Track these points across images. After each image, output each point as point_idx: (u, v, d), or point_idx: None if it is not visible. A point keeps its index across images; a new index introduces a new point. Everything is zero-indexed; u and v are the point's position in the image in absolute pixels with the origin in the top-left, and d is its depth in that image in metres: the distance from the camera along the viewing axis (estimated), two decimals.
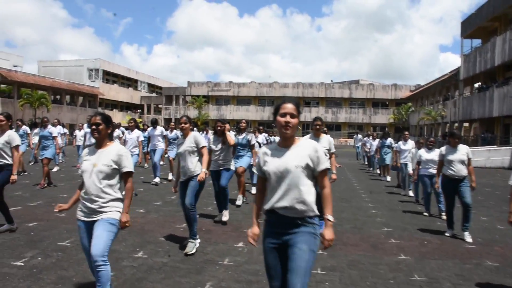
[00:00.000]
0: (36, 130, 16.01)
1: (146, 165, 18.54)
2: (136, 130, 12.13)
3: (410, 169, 12.13)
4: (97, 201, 4.07)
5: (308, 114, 65.16)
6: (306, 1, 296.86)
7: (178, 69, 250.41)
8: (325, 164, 3.30)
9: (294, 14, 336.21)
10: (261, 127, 15.51)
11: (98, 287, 3.92)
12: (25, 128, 16.27)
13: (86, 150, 4.34)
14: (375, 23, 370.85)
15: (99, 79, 67.42)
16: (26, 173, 14.98)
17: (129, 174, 4.23)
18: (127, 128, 13.52)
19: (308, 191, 3.23)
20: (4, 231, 6.94)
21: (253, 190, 12.07)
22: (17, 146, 7.03)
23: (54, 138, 12.43)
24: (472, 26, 41.82)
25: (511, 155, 27.03)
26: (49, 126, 12.67)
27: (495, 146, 30.85)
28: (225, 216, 8.26)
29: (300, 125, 3.41)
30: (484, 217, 9.87)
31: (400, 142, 13.36)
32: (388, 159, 16.54)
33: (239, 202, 10.03)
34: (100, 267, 3.86)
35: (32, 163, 18.30)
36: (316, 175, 3.30)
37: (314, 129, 7.76)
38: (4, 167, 6.92)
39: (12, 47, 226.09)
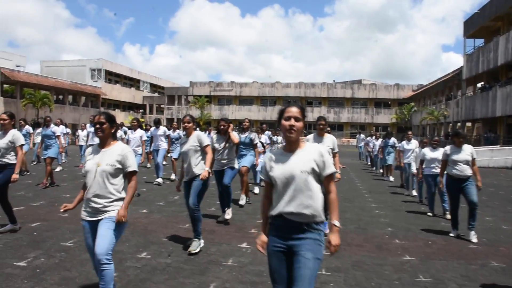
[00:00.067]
0: (39, 130, 16.00)
1: (148, 165, 18.52)
2: (139, 130, 12.11)
3: (414, 169, 12.09)
4: (101, 200, 4.05)
5: (310, 114, 65.02)
6: (308, 1, 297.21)
7: (180, 69, 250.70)
8: (331, 168, 3.26)
9: (296, 14, 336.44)
10: (264, 125, 15.47)
11: (101, 286, 3.89)
12: (28, 127, 16.28)
13: (89, 150, 4.32)
14: (378, 23, 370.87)
15: (102, 79, 67.48)
16: (29, 173, 14.97)
17: (133, 173, 4.20)
18: (129, 128, 13.52)
19: (315, 196, 3.18)
20: (7, 231, 6.92)
21: (256, 190, 12.05)
22: (21, 146, 7.02)
23: (57, 137, 12.40)
24: (475, 26, 41.72)
25: None
26: (52, 125, 12.64)
27: (498, 146, 30.75)
28: (228, 215, 8.23)
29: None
30: (488, 217, 9.82)
31: (404, 142, 13.32)
32: (390, 159, 16.50)
33: (242, 202, 10.00)
34: (103, 266, 3.84)
35: (35, 163, 18.27)
36: (322, 180, 3.26)
37: (318, 128, 7.73)
38: (7, 166, 6.90)
39: (15, 47, 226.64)
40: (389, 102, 70.65)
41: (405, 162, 13.12)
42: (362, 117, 70.53)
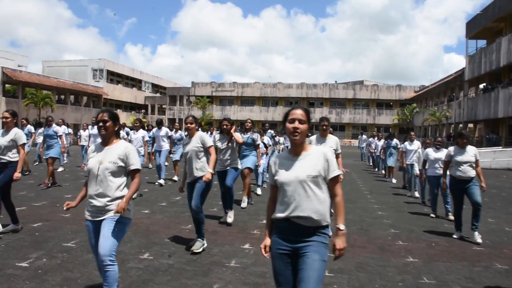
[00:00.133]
0: (41, 130, 15.99)
1: (150, 165, 18.50)
2: (141, 130, 12.09)
3: (416, 170, 12.06)
4: (103, 199, 4.01)
5: (312, 115, 64.75)
6: (310, 1, 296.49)
7: (182, 70, 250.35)
8: (336, 171, 3.24)
9: (298, 14, 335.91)
10: (266, 124, 15.44)
11: (105, 287, 3.87)
12: (30, 127, 16.27)
13: (92, 147, 4.29)
14: (379, 24, 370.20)
15: (103, 79, 67.48)
16: (31, 172, 14.96)
17: (136, 171, 4.17)
18: (131, 129, 13.49)
19: (321, 200, 3.17)
20: (9, 231, 6.90)
21: (259, 191, 12.01)
22: (23, 144, 6.99)
23: (59, 137, 12.39)
24: (477, 27, 41.69)
25: None
26: (54, 125, 12.64)
27: (500, 147, 30.69)
28: (230, 218, 8.20)
29: None
30: (491, 219, 9.78)
31: (406, 143, 13.27)
32: (392, 161, 16.48)
33: (244, 204, 9.94)
34: (107, 267, 3.82)
35: (37, 163, 18.28)
36: (327, 183, 3.24)
37: (320, 129, 7.71)
38: (8, 164, 6.87)
39: (17, 47, 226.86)
40: (391, 103, 70.58)
41: (407, 163, 13.08)
42: (364, 118, 70.46)
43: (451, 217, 9.27)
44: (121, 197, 4.06)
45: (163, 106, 78.33)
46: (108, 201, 4.02)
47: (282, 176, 3.22)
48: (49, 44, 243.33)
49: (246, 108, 72.42)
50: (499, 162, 26.82)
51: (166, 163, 14.31)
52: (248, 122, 10.20)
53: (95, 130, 14.64)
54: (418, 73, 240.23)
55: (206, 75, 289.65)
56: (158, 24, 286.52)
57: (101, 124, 4.11)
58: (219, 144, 8.17)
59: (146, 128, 18.02)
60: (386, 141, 17.05)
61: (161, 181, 13.15)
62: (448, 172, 8.20)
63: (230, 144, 8.20)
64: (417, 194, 12.71)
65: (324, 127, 7.71)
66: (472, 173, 7.68)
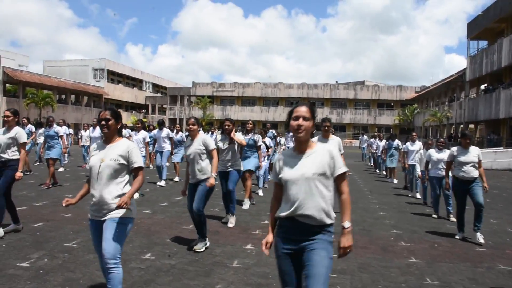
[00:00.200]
0: (41, 130, 15.97)
1: (151, 166, 18.47)
2: (142, 131, 12.08)
3: (418, 171, 12.03)
4: (105, 197, 3.96)
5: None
6: (311, 2, 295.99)
7: (182, 70, 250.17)
8: (342, 168, 3.21)
9: (299, 14, 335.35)
10: (268, 125, 15.41)
11: None
12: (30, 126, 16.25)
13: (94, 145, 4.24)
14: (380, 24, 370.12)
15: (104, 79, 67.42)
16: (32, 172, 14.95)
17: (139, 169, 4.12)
18: (132, 129, 13.47)
19: (326, 198, 3.14)
20: (10, 231, 6.87)
21: (260, 192, 11.98)
22: (24, 144, 6.96)
23: (60, 137, 12.36)
24: (479, 28, 41.64)
25: None
26: (55, 125, 12.60)
27: (502, 148, 30.66)
28: (231, 223, 8.14)
29: None
30: (493, 219, 9.76)
31: (408, 143, 13.26)
32: (394, 161, 16.46)
33: (245, 206, 9.90)
34: (111, 269, 3.79)
35: (38, 162, 18.26)
36: (334, 180, 3.21)
37: (323, 130, 7.70)
38: (8, 163, 6.82)
39: (18, 47, 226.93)
40: (392, 104, 70.53)
41: (409, 163, 13.06)
42: (364, 118, 70.42)
43: (453, 219, 9.25)
44: (122, 195, 4.00)
45: (164, 106, 78.32)
46: (109, 200, 3.96)
47: (287, 173, 3.19)
48: (50, 44, 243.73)
49: (246, 108, 72.40)
50: (500, 163, 26.80)
51: (167, 164, 14.27)
52: (250, 124, 10.15)
53: (96, 133, 14.61)
54: (419, 73, 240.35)
55: (206, 75, 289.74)
56: (158, 24, 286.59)
57: (103, 122, 4.07)
58: (220, 144, 8.12)
59: (147, 128, 18.02)
60: (387, 142, 17.01)
61: (162, 183, 13.09)
62: (450, 173, 8.19)
63: (231, 144, 8.16)
64: (418, 195, 12.69)
65: (326, 128, 7.70)
66: (475, 173, 7.64)
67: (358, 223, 8.73)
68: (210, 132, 21.78)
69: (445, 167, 8.95)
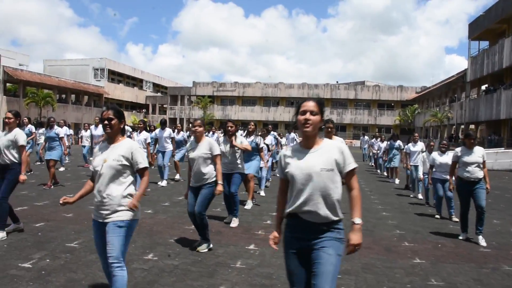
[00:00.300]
0: (42, 130, 15.93)
1: (152, 166, 18.42)
2: (144, 132, 12.05)
3: (420, 173, 11.98)
4: (109, 198, 3.90)
5: None
6: (311, 2, 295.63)
7: (183, 69, 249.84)
8: (352, 164, 3.16)
9: (299, 15, 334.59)
10: (270, 126, 15.39)
11: None
12: (31, 126, 16.21)
13: (98, 146, 4.18)
14: (381, 25, 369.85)
15: (105, 78, 67.38)
16: (32, 172, 14.91)
17: (144, 169, 4.07)
18: (133, 129, 13.41)
19: (334, 194, 3.08)
20: (11, 231, 6.81)
21: (262, 193, 11.93)
22: (23, 146, 6.88)
23: (61, 139, 12.32)
24: (480, 28, 41.62)
25: None
26: (55, 126, 12.55)
27: (503, 148, 30.64)
28: (234, 223, 8.09)
29: None
30: (496, 220, 9.72)
31: (410, 144, 13.22)
32: (396, 161, 16.43)
33: (248, 206, 9.85)
34: (116, 272, 3.74)
35: (39, 162, 18.20)
36: (343, 177, 3.16)
37: (325, 131, 7.64)
38: (11, 166, 6.77)
39: (18, 46, 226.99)
40: (392, 104, 70.47)
41: (411, 164, 13.02)
42: (365, 119, 70.37)
43: (455, 219, 9.23)
44: (126, 196, 3.95)
45: (164, 106, 78.29)
46: (111, 201, 3.90)
47: (294, 169, 3.13)
48: (50, 43, 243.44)
49: (247, 108, 72.36)
50: (501, 163, 26.76)
51: (168, 163, 14.23)
52: (251, 125, 10.10)
53: (98, 131, 14.58)
54: (420, 74, 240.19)
55: (207, 75, 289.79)
56: (159, 24, 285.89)
57: (106, 122, 3.99)
58: (222, 147, 8.05)
59: (148, 129, 17.98)
60: (389, 142, 16.97)
61: (164, 183, 13.04)
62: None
63: (234, 147, 8.08)
64: (420, 196, 12.65)
65: (329, 129, 7.66)
66: (479, 174, 7.59)
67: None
68: (210, 132, 21.72)
69: (447, 169, 8.94)
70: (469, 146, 7.73)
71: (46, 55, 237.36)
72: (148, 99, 78.43)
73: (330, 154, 3.11)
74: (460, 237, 7.84)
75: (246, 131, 10.18)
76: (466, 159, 7.61)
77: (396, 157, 16.39)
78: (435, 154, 9.72)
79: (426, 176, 10.64)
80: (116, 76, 72.77)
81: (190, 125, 55.46)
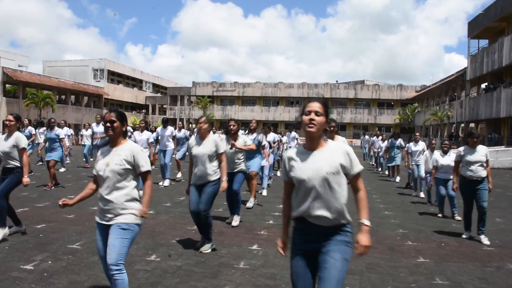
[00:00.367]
0: (42, 130, 15.89)
1: (153, 166, 18.39)
2: (145, 132, 12.02)
3: (422, 172, 11.95)
4: (112, 202, 3.87)
5: None
6: (311, 1, 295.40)
7: (182, 70, 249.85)
8: (358, 166, 3.10)
9: (299, 14, 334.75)
10: (271, 127, 15.37)
11: None
12: (31, 128, 16.17)
13: (100, 150, 4.14)
14: (380, 24, 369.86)
15: (104, 79, 67.39)
16: (33, 173, 14.85)
17: (147, 173, 4.03)
18: (134, 129, 13.38)
19: (341, 197, 3.03)
20: (13, 233, 6.76)
21: (264, 192, 11.90)
22: (24, 149, 6.84)
23: (61, 140, 12.28)
24: (479, 27, 41.63)
25: None
26: (56, 127, 12.52)
27: (503, 146, 30.61)
28: (235, 221, 8.06)
29: None
30: (499, 218, 9.68)
31: (411, 143, 13.17)
32: (398, 159, 16.40)
33: (250, 204, 9.82)
34: (115, 275, 3.69)
35: (40, 163, 18.13)
36: (349, 179, 3.11)
37: (328, 131, 7.59)
38: (14, 169, 6.75)
39: (17, 47, 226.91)
40: (392, 103, 70.47)
41: (412, 163, 12.97)
42: (365, 118, 70.38)
43: (458, 217, 9.21)
44: (129, 200, 3.92)
45: (164, 106, 78.30)
46: (115, 205, 3.87)
47: (298, 172, 3.07)
48: (50, 44, 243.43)
49: (247, 108, 72.34)
50: (501, 162, 26.70)
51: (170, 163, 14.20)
52: (253, 123, 10.06)
53: (100, 128, 14.58)
54: (419, 73, 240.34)
55: (206, 75, 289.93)
56: (158, 24, 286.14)
57: (108, 124, 3.95)
58: (224, 145, 8.00)
59: (149, 129, 17.96)
60: (390, 140, 16.94)
61: (167, 182, 12.99)
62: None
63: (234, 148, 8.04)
64: (422, 194, 12.62)
65: (332, 129, 7.61)
66: (483, 173, 7.55)
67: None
68: (211, 132, 21.65)
69: (450, 170, 8.91)
70: (472, 145, 7.68)
71: (45, 56, 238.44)
72: (147, 100, 78.44)
73: (335, 157, 3.06)
74: (464, 236, 7.80)
75: (247, 129, 10.13)
76: (469, 158, 7.57)
77: (397, 155, 16.36)
78: (437, 155, 9.65)
79: (429, 175, 10.60)
80: (115, 77, 72.79)
81: (191, 125, 55.43)
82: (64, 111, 54.24)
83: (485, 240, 7.43)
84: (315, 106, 3.08)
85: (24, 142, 6.84)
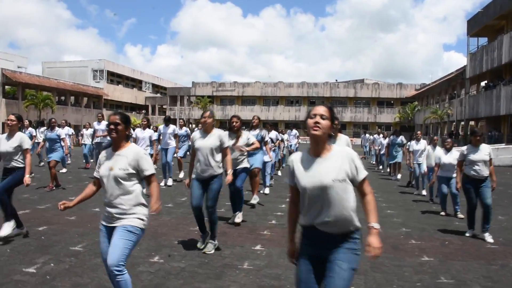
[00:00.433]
0: (42, 129, 15.86)
1: (155, 166, 18.33)
2: (147, 129, 12.00)
3: (424, 167, 11.94)
4: (117, 206, 3.84)
5: None
6: (309, 1, 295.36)
7: (181, 70, 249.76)
8: (364, 172, 3.06)
9: (298, 14, 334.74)
10: (272, 127, 15.37)
11: None
12: (31, 130, 16.14)
13: (103, 154, 4.09)
14: (379, 23, 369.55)
15: (104, 80, 67.35)
16: (33, 175, 14.81)
17: (151, 176, 4.01)
18: (133, 129, 13.31)
19: (348, 204, 2.99)
20: (14, 235, 6.73)
21: (266, 190, 11.87)
22: (28, 149, 6.84)
23: (62, 140, 12.25)
24: (479, 25, 41.63)
25: None
26: (57, 128, 12.48)
27: (503, 144, 30.60)
28: (238, 218, 8.04)
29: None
30: (501, 216, 9.65)
31: (413, 142, 13.13)
32: (399, 157, 16.38)
33: (254, 201, 9.78)
34: (116, 277, 3.66)
35: (42, 164, 18.07)
36: (356, 185, 3.07)
37: (333, 135, 7.56)
38: (15, 169, 6.75)
39: (16, 48, 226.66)
40: (392, 102, 70.48)
41: (414, 162, 12.94)
42: (365, 117, 70.38)
43: (461, 215, 9.21)
44: (134, 205, 3.90)
45: (164, 107, 78.28)
46: (120, 209, 3.85)
47: (304, 180, 3.03)
48: (49, 45, 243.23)
49: (247, 107, 72.28)
50: (502, 159, 26.70)
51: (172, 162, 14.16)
52: (255, 119, 10.03)
53: (102, 125, 14.56)
54: (418, 71, 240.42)
55: (206, 75, 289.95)
56: (157, 24, 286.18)
57: (112, 127, 3.92)
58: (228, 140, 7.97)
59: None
60: (391, 137, 16.91)
61: (170, 182, 12.93)
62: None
63: (238, 143, 7.99)
64: (424, 192, 12.59)
65: (334, 127, 7.58)
66: (486, 172, 7.52)
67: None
68: None
69: (452, 169, 8.89)
70: (475, 143, 7.64)
71: (44, 57, 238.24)
72: (147, 100, 78.42)
73: (341, 164, 3.01)
74: (467, 234, 7.78)
75: (250, 126, 10.10)
76: (472, 157, 7.54)
77: (398, 153, 16.35)
78: (440, 152, 9.61)
79: (431, 173, 10.58)
80: (115, 77, 72.74)
81: (191, 125, 55.46)
82: (64, 112, 54.13)
83: (489, 238, 7.41)
84: (321, 109, 3.06)
85: (28, 143, 6.86)
